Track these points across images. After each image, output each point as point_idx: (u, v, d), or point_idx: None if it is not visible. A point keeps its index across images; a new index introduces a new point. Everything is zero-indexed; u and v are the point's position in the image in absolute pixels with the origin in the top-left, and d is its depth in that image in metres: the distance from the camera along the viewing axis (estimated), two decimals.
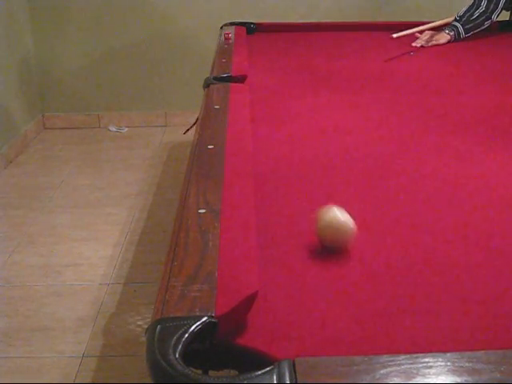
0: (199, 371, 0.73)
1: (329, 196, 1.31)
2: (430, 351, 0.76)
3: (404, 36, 2.77)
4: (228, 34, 2.84)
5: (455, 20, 2.93)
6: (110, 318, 2.25)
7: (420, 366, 0.73)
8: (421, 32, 2.88)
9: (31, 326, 2.22)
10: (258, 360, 0.79)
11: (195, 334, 0.77)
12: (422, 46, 2.83)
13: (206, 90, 2.02)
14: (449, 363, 0.73)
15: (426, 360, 0.73)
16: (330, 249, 1.06)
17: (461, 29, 2.90)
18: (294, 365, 0.72)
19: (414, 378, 0.71)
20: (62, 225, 2.94)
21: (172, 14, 4.09)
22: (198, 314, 0.80)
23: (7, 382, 1.96)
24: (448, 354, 0.75)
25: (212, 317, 0.80)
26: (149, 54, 4.18)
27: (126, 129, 4.27)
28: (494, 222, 1.19)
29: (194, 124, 1.78)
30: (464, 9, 2.92)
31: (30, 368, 2.02)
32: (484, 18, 2.89)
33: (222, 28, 3.14)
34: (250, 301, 0.86)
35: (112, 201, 3.18)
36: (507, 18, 3.24)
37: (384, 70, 2.43)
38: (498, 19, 2.99)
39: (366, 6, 4.09)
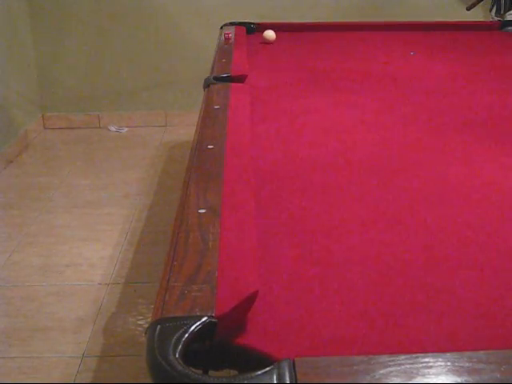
0: (199, 371, 0.73)
1: (328, 195, 1.31)
2: (430, 351, 0.76)
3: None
4: (228, 34, 2.84)
5: None
6: (110, 318, 2.25)
7: (420, 366, 0.72)
8: None
9: (31, 326, 2.21)
10: (257, 360, 0.79)
11: (195, 334, 0.77)
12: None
13: (206, 90, 2.02)
14: (449, 363, 0.73)
15: (426, 360, 0.73)
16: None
17: None
18: (293, 365, 0.72)
19: (414, 378, 0.70)
20: (62, 225, 2.94)
21: (172, 14, 4.09)
22: (197, 313, 0.80)
23: (7, 382, 1.96)
24: (448, 354, 0.74)
25: (212, 317, 0.80)
26: (149, 54, 4.18)
27: (126, 129, 4.27)
28: (495, 222, 1.19)
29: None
30: None
31: (30, 368, 2.02)
32: None
33: (222, 28, 3.15)
34: (250, 301, 0.86)
35: (112, 201, 3.18)
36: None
37: (384, 70, 2.43)
38: (498, 19, 2.99)
39: (366, 6, 4.10)
